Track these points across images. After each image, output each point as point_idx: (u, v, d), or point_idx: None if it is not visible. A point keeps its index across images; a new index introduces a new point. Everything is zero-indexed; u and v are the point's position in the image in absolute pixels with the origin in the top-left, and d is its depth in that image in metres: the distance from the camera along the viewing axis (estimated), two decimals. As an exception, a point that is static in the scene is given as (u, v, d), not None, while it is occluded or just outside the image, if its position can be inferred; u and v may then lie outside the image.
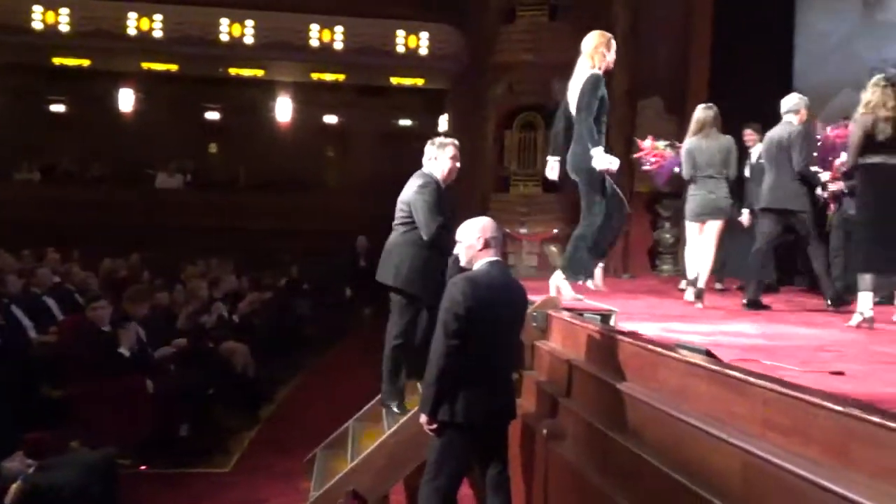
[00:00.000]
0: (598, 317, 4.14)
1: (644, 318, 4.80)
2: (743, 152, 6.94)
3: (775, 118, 8.13)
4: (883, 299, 5.78)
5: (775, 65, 8.41)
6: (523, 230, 10.40)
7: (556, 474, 3.57)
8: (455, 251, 3.53)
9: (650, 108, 10.29)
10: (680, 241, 8.46)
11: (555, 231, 10.33)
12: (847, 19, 7.38)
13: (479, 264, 3.41)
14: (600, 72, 4.27)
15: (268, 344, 8.57)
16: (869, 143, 4.30)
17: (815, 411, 2.01)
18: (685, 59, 10.24)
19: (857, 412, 1.86)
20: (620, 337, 3.39)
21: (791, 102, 5.49)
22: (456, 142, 4.42)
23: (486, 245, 3.42)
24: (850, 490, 1.82)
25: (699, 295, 5.49)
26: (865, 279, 4.40)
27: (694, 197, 6.02)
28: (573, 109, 4.39)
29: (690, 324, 4.57)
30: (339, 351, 10.79)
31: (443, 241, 4.00)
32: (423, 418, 3.33)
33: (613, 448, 3.06)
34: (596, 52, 4.39)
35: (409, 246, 4.17)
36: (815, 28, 7.89)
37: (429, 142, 4.40)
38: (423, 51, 14.03)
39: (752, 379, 2.32)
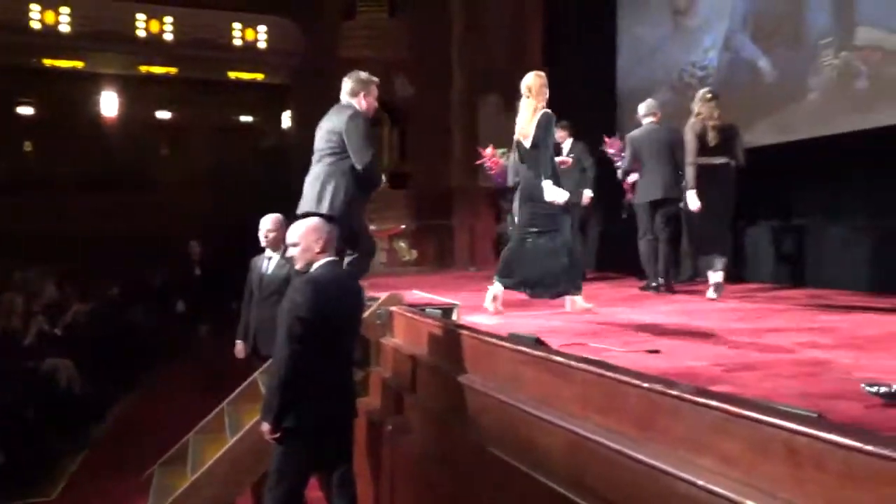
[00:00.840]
0: (440, 311, 4.23)
1: (485, 310, 4.88)
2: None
3: (604, 114, 8.73)
4: (692, 277, 6.58)
5: (601, 64, 8.99)
6: (372, 226, 10.39)
7: (402, 469, 3.62)
8: (289, 254, 3.47)
9: (490, 104, 10.68)
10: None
11: (402, 226, 10.43)
12: (661, 24, 8.02)
13: (319, 266, 3.37)
14: (549, 110, 4.64)
15: (96, 358, 8.02)
16: (701, 146, 5.21)
17: (626, 389, 2.18)
18: (521, 56, 10.73)
19: (659, 387, 2.04)
20: (459, 330, 3.48)
21: (650, 107, 6.04)
22: (376, 79, 4.38)
23: (326, 246, 3.40)
24: (656, 458, 2.01)
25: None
26: (712, 259, 5.15)
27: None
28: (527, 144, 4.65)
29: (531, 311, 4.72)
30: (177, 367, 10.23)
31: (375, 171, 3.99)
32: (266, 427, 3.26)
33: (455, 439, 3.14)
34: (540, 92, 4.69)
35: (342, 175, 3.98)
36: (635, 32, 8.52)
37: (347, 76, 4.33)
38: (262, 44, 13.66)
39: (573, 363, 2.48)
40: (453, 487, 3.04)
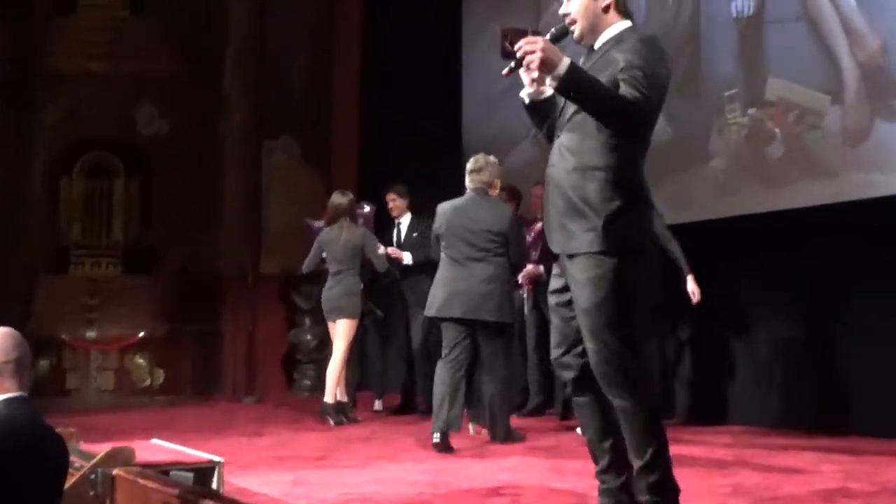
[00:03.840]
0: (191, 474, 4.01)
1: (269, 465, 4.86)
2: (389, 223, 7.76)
3: (444, 171, 8.89)
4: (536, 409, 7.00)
5: (441, 108, 9.26)
6: (91, 333, 9.93)
7: None
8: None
9: (282, 151, 10.64)
10: (327, 344, 8.69)
11: (141, 334, 9.98)
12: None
13: (-8, 403, 3.10)
14: None
15: None
16: None
17: None
18: (329, 87, 10.81)
19: None
20: None
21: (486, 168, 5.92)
22: None
23: (14, 372, 3.11)
24: None
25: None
26: None
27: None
28: None
29: (335, 469, 4.73)
30: None
31: None
32: None
33: None
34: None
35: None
36: (487, 67, 8.78)
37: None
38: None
39: None
40: None
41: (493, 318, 5.57)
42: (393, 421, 7.27)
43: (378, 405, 7.97)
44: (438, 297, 5.71)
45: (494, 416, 5.72)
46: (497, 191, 5.92)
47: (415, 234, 7.60)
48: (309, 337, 10.09)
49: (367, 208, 7.89)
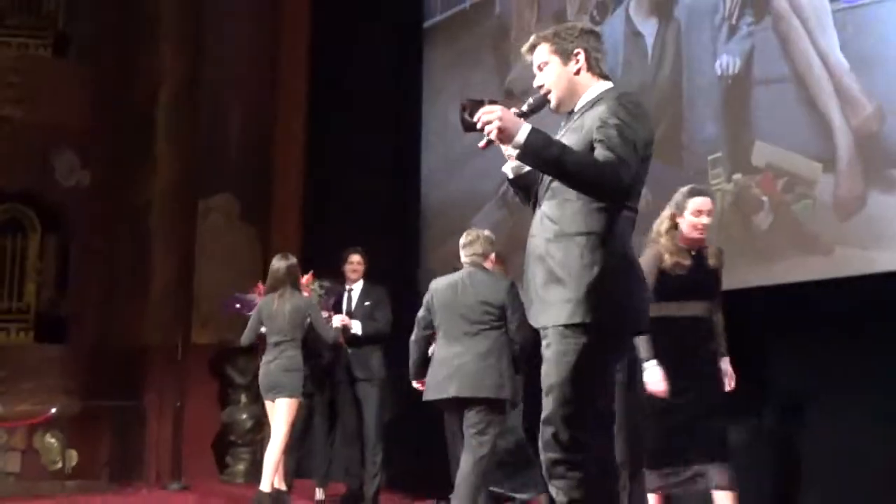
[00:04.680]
0: None
1: None
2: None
3: (399, 234, 8.90)
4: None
5: (398, 164, 9.33)
6: (-2, 409, 9.77)
7: None
8: None
9: (218, 210, 10.59)
10: (264, 425, 8.62)
11: (52, 410, 9.83)
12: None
13: None
14: None
15: None
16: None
17: None
18: (270, 138, 10.82)
19: None
20: None
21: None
22: None
23: None
24: None
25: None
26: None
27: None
28: None
29: None
30: None
31: None
32: None
33: None
34: None
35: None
36: (447, 124, 8.89)
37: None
38: None
39: None
40: None
41: (489, 394, 5.68)
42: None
43: (319, 494, 7.86)
44: (432, 379, 5.85)
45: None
46: (493, 264, 6.09)
47: (366, 304, 7.62)
48: (244, 416, 10.00)
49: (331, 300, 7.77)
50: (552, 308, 3.18)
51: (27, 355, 10.16)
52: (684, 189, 5.26)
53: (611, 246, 3.17)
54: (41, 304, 10.43)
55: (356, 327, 7.43)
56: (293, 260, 7.25)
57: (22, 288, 10.33)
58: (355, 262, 7.74)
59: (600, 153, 3.08)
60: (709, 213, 5.16)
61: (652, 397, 5.08)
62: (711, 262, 5.30)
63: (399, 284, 8.21)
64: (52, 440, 10.01)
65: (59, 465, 9.97)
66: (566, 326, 3.13)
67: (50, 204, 10.57)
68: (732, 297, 6.13)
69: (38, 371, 10.09)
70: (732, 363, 5.39)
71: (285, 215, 10.67)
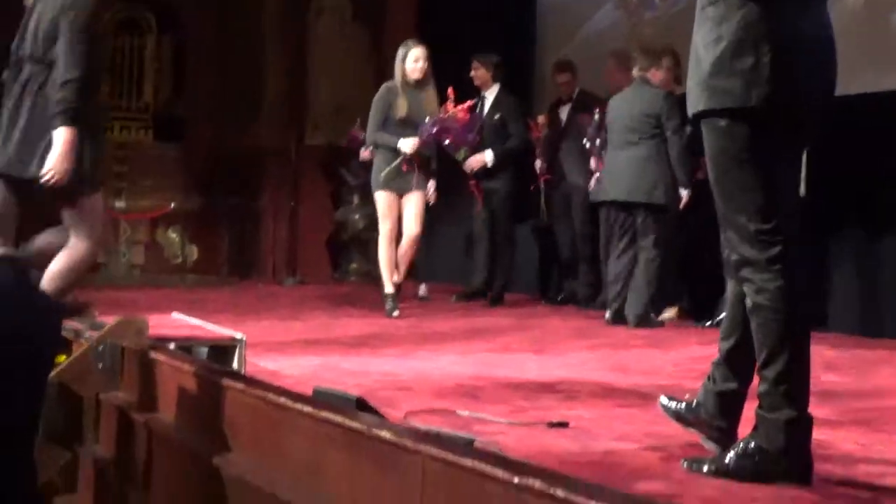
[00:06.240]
0: (206, 349, 4.08)
1: (297, 350, 4.88)
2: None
3: (515, 38, 8.75)
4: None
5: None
6: (120, 203, 10.03)
7: None
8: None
9: (330, 11, 10.52)
10: (377, 224, 8.72)
11: (172, 205, 10.12)
12: None
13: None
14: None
15: None
16: None
17: (492, 487, 2.14)
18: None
19: (538, 484, 2.02)
20: (229, 382, 3.36)
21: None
22: None
23: None
24: None
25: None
26: None
27: None
28: None
29: (373, 357, 4.74)
30: None
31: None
32: None
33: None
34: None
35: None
36: None
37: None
38: None
39: (408, 443, 2.44)
40: None
41: (646, 199, 6.33)
42: (448, 308, 7.43)
43: (423, 290, 7.99)
44: (597, 184, 6.74)
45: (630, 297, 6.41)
46: (661, 75, 6.53)
47: (496, 116, 7.61)
48: (357, 216, 10.01)
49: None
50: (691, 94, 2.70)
51: (147, 153, 10.34)
52: None
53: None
54: (159, 104, 10.54)
55: (488, 158, 7.47)
56: None
57: (141, 87, 10.42)
58: (472, 67, 7.79)
59: None
60: None
61: None
62: None
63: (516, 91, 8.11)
64: (174, 235, 10.32)
65: (180, 259, 10.32)
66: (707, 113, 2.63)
67: (165, 3, 10.57)
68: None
69: (158, 169, 10.32)
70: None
71: (399, 13, 10.50)
